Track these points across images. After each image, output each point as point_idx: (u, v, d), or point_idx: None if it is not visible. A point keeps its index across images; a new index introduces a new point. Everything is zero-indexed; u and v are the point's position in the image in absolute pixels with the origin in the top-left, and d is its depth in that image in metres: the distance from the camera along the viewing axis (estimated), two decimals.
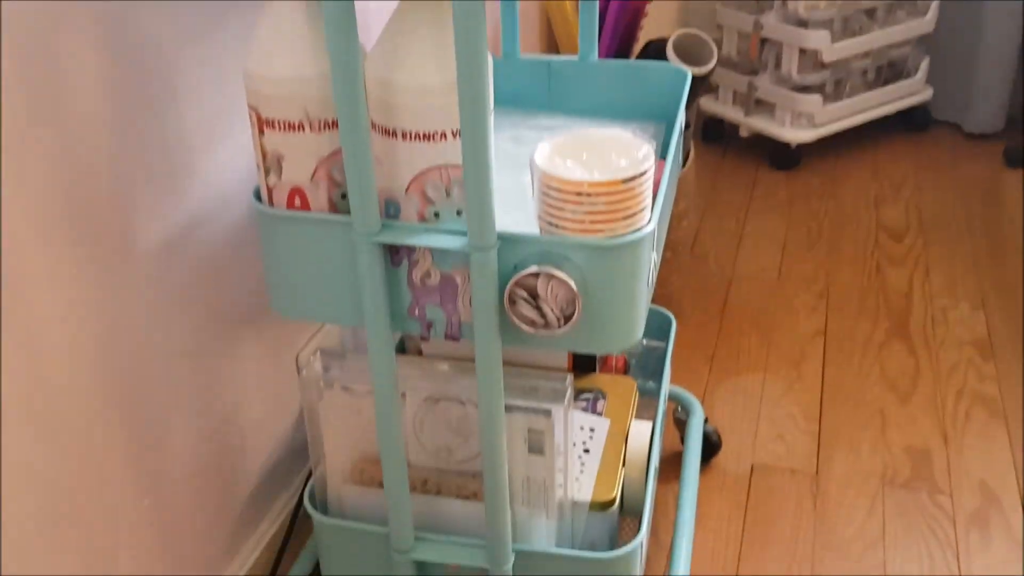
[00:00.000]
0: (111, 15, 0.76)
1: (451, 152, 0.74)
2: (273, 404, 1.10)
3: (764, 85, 2.29)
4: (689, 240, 1.97)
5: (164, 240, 0.87)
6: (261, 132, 0.78)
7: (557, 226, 0.75)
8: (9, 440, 0.72)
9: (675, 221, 1.61)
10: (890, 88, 2.36)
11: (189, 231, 0.90)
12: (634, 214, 0.74)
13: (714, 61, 1.35)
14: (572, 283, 0.73)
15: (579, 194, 0.72)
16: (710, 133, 2.48)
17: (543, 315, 0.75)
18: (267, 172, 0.79)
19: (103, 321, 0.80)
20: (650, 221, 0.76)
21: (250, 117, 0.78)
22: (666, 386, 1.19)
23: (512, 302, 0.75)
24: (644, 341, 1.25)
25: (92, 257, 0.78)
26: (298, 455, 1.17)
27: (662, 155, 1.07)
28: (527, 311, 0.75)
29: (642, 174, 0.73)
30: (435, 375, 0.92)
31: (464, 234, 0.75)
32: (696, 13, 2.65)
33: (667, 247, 1.63)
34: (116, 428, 0.84)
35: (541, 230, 0.77)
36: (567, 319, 0.75)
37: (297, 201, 0.79)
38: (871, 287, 1.83)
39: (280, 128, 0.76)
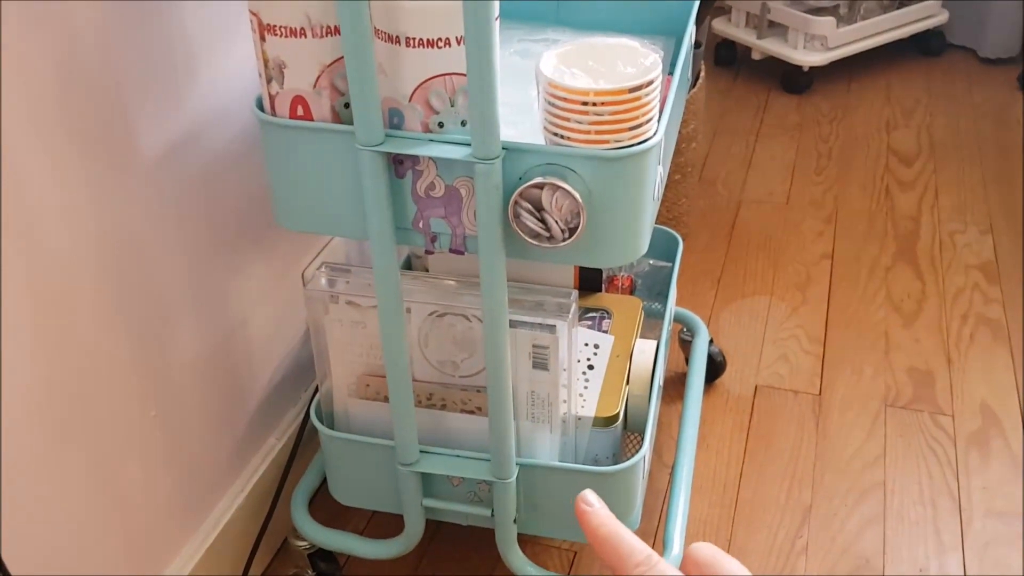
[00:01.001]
0: None
1: (456, 60, 0.73)
2: (279, 320, 1.10)
3: (777, 7, 2.25)
4: (698, 163, 1.96)
5: (166, 145, 0.86)
6: (262, 38, 0.76)
7: (562, 136, 0.74)
8: (10, 346, 0.72)
9: (684, 143, 1.59)
10: (904, 11, 2.31)
11: (191, 138, 0.89)
12: (640, 124, 0.73)
13: None
14: (577, 195, 0.72)
15: (584, 103, 0.71)
16: (722, 56, 2.44)
17: (547, 227, 0.75)
18: (269, 80, 0.78)
19: (103, 224, 0.80)
20: (656, 132, 0.75)
21: (251, 22, 0.77)
22: (671, 306, 1.19)
23: (516, 214, 0.75)
24: (650, 261, 1.24)
25: (93, 158, 0.78)
26: (305, 371, 1.18)
27: (671, 71, 1.05)
28: (531, 223, 0.74)
29: (649, 83, 0.72)
30: (440, 290, 0.92)
31: (468, 145, 0.74)
32: None
33: (675, 169, 1.61)
34: (120, 336, 0.84)
35: (546, 141, 0.76)
36: (571, 231, 0.74)
37: (300, 110, 0.78)
38: (879, 211, 1.82)
39: (281, 33, 0.75)
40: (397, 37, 0.73)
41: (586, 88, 0.71)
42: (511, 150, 0.74)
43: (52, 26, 0.71)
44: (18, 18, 0.68)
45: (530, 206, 0.74)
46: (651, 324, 1.20)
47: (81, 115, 0.75)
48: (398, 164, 0.77)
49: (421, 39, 0.72)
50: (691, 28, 1.01)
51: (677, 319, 1.37)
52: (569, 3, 1.13)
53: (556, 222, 0.74)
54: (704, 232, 1.76)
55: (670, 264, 1.23)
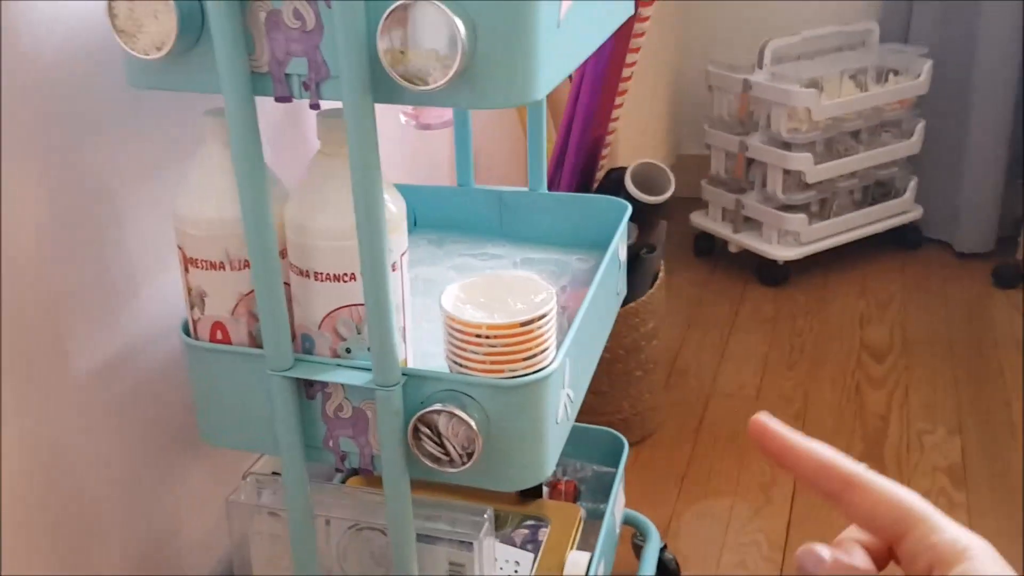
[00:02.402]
0: (57, 148, 0.81)
1: (360, 292, 0.77)
2: (214, 529, 1.11)
3: (751, 203, 2.33)
4: (667, 357, 1.98)
5: (100, 361, 0.90)
6: (186, 269, 0.81)
7: (461, 365, 0.77)
8: None
9: (643, 341, 1.62)
10: (878, 208, 2.39)
11: (127, 355, 0.93)
12: (535, 355, 0.76)
13: (670, 190, 1.39)
14: (472, 422, 0.75)
15: (479, 336, 0.75)
16: (701, 247, 2.52)
17: (446, 451, 0.77)
18: (192, 306, 0.83)
19: (34, 446, 0.83)
20: (552, 362, 0.78)
21: (178, 255, 0.82)
22: (612, 514, 1.19)
23: (416, 438, 0.77)
24: (593, 467, 1.25)
25: (25, 379, 0.81)
26: None
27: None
28: (430, 447, 0.77)
29: (541, 317, 0.75)
30: (360, 503, 0.93)
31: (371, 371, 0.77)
32: (687, 133, 2.72)
33: (637, 366, 1.64)
34: (46, 555, 0.85)
35: (449, 368, 0.79)
36: (469, 456, 0.76)
37: (219, 334, 0.83)
38: (849, 408, 1.82)
39: (203, 266, 0.80)
40: (308, 271, 0.78)
41: (479, 322, 0.75)
42: (412, 376, 0.77)
43: None
44: None
45: (429, 431, 0.77)
46: (598, 528, 1.19)
47: (12, 332, 0.80)
48: (308, 386, 0.81)
49: (328, 274, 0.77)
50: (615, 243, 1.05)
51: (629, 522, 1.36)
52: (512, 216, 1.19)
53: (454, 447, 0.76)
54: (671, 426, 1.77)
55: (614, 470, 1.23)
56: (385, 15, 0.62)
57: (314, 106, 0.70)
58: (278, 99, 0.69)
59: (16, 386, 0.81)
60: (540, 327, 0.76)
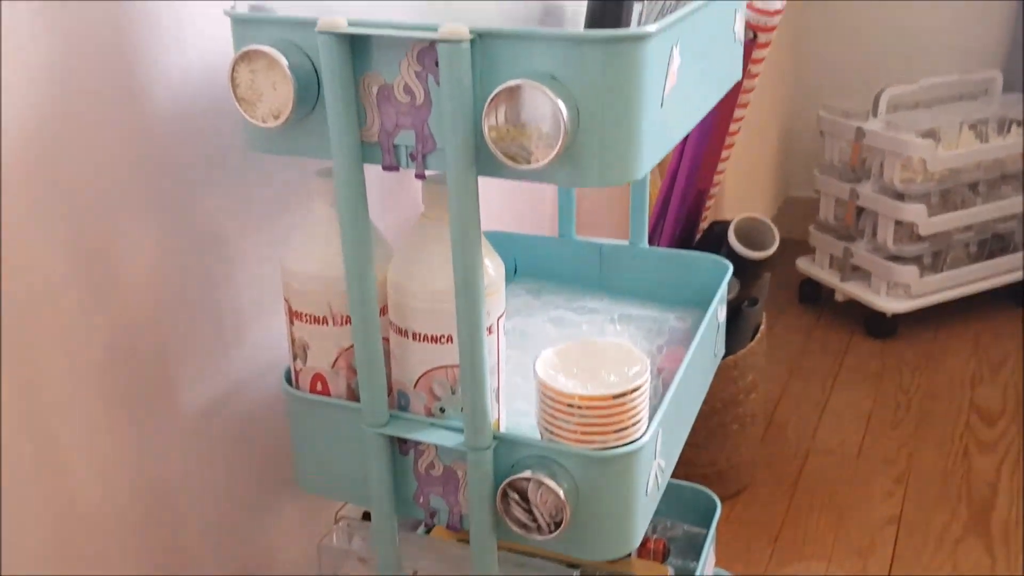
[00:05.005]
0: (174, 198, 0.85)
1: (456, 354, 0.78)
2: (304, 567, 1.13)
3: (860, 252, 2.27)
4: (766, 410, 1.94)
5: (206, 405, 0.93)
6: (291, 321, 0.84)
7: (553, 432, 0.77)
8: None
9: (742, 395, 1.60)
10: (994, 262, 2.30)
11: (229, 398, 0.97)
12: (626, 427, 0.76)
13: (775, 246, 1.36)
14: (561, 492, 0.75)
15: (571, 405, 0.75)
16: (806, 293, 2.46)
17: (534, 518, 0.77)
18: (295, 357, 0.86)
19: (139, 482, 0.87)
20: (644, 435, 0.78)
21: (284, 307, 0.85)
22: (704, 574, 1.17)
23: (505, 502, 0.77)
24: (684, 527, 1.23)
25: (134, 417, 0.85)
26: None
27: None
28: (519, 513, 0.77)
29: (634, 390, 0.75)
30: (447, 556, 0.94)
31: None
32: (796, 175, 2.67)
33: (733, 419, 1.61)
34: None
35: (540, 434, 0.80)
36: (557, 525, 0.76)
37: (319, 386, 0.85)
38: (955, 473, 1.75)
39: (307, 320, 0.83)
40: (406, 330, 0.79)
41: (572, 392, 0.75)
42: (504, 440, 0.78)
43: (104, 287, 0.80)
44: (78, 301, 0.77)
45: (518, 496, 0.77)
46: None
47: (124, 372, 0.83)
48: (402, 443, 0.82)
49: (426, 334, 0.79)
50: (715, 305, 1.04)
51: None
52: (611, 270, 1.19)
53: (542, 515, 0.77)
54: (767, 483, 1.73)
55: (704, 530, 1.21)
56: (491, 95, 0.63)
57: (419, 176, 0.71)
58: (386, 168, 0.71)
59: (129, 425, 0.85)
60: (633, 400, 0.76)
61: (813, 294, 2.46)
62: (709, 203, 1.48)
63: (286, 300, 0.84)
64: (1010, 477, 1.74)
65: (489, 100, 0.63)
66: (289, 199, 0.98)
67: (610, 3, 0.65)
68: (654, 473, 0.83)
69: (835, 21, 2.58)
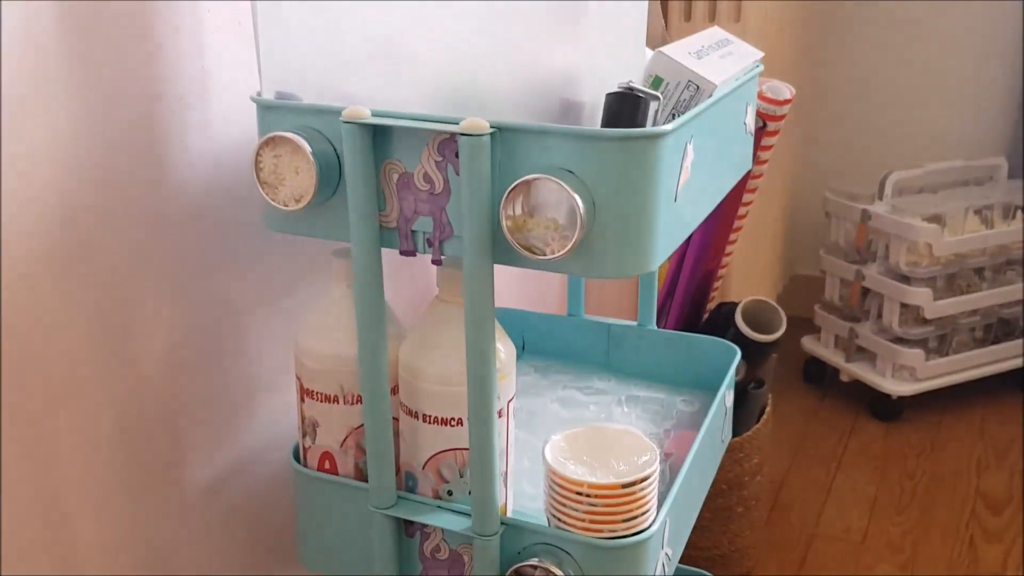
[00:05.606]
0: (192, 273, 0.86)
1: (466, 437, 0.79)
2: None
3: (865, 333, 2.28)
4: (769, 490, 1.93)
5: (213, 477, 0.93)
6: (302, 399, 0.85)
7: (560, 519, 0.77)
8: None
9: (747, 476, 1.59)
10: (1001, 347, 2.30)
11: (237, 472, 0.97)
12: (635, 516, 0.76)
13: (782, 329, 1.37)
14: None
15: (579, 493, 0.75)
16: (811, 373, 2.45)
17: None
18: (304, 434, 0.86)
19: (145, 556, 0.86)
20: (653, 524, 0.77)
21: (296, 384, 0.85)
22: None
23: None
24: None
25: (140, 491, 0.85)
26: None
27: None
28: None
29: (643, 480, 0.75)
30: None
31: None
32: (801, 254, 2.69)
33: (738, 502, 1.60)
34: None
35: (547, 520, 0.79)
36: None
37: (327, 464, 0.85)
38: (961, 563, 1.73)
39: (318, 398, 0.83)
40: (416, 412, 0.80)
41: (581, 479, 0.75)
42: (511, 526, 0.78)
43: (117, 360, 0.80)
44: (94, 375, 0.77)
45: None
46: None
47: (135, 448, 0.84)
48: (408, 524, 0.82)
49: (436, 417, 0.79)
50: (723, 390, 1.05)
51: None
52: (619, 350, 1.20)
53: None
54: (770, 567, 1.71)
55: None
56: (510, 188, 0.65)
57: (435, 262, 0.73)
58: (403, 253, 0.72)
59: (137, 497, 0.84)
60: (643, 489, 0.75)
61: (818, 373, 2.45)
62: (717, 284, 1.50)
63: (298, 377, 0.85)
64: (1016, 568, 1.71)
65: (507, 192, 0.65)
66: (304, 275, 0.99)
67: (627, 101, 0.66)
68: (661, 562, 0.82)
69: (843, 106, 2.62)
